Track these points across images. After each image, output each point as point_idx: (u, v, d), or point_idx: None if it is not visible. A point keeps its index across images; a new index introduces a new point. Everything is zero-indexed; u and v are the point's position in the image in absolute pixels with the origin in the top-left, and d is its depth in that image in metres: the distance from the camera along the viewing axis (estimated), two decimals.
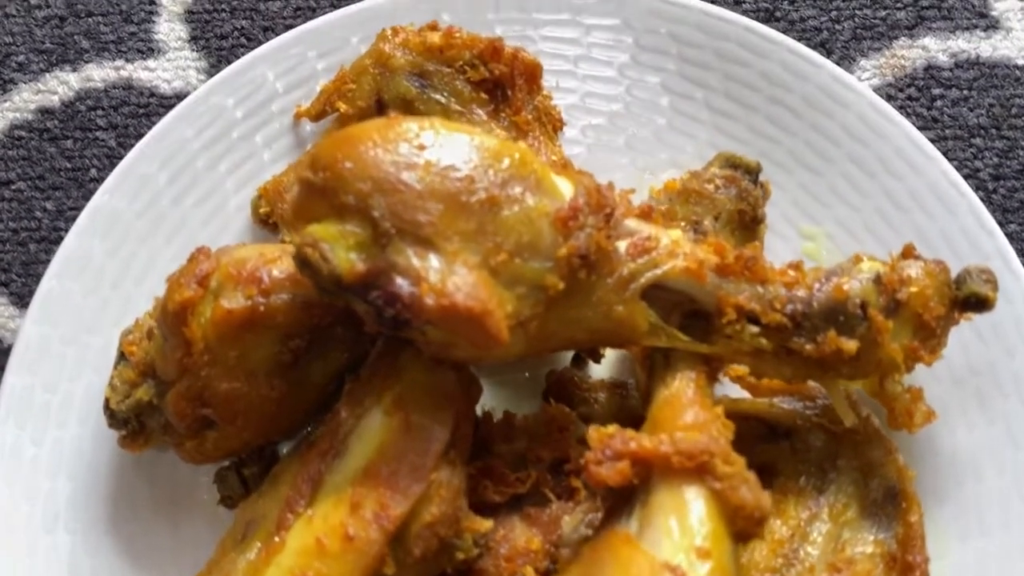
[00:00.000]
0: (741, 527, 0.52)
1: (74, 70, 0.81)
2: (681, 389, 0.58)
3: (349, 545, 0.54)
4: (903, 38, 0.83)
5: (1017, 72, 0.81)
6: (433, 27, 0.69)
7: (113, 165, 0.72)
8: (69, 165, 0.79)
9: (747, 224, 0.67)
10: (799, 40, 0.81)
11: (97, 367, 0.68)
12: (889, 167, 0.71)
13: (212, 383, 0.58)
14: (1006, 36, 0.83)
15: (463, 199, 0.53)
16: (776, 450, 0.64)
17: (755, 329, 0.58)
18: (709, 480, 0.53)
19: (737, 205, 0.67)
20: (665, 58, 0.74)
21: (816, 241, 0.72)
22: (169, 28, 0.82)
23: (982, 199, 0.78)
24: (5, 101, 0.81)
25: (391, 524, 0.54)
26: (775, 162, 0.73)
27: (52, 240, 0.77)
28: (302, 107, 0.72)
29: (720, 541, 0.51)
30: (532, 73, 0.69)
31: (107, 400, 0.63)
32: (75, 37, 0.82)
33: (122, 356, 0.63)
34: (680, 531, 0.51)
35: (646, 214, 0.60)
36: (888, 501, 0.62)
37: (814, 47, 0.82)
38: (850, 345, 0.57)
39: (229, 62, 0.78)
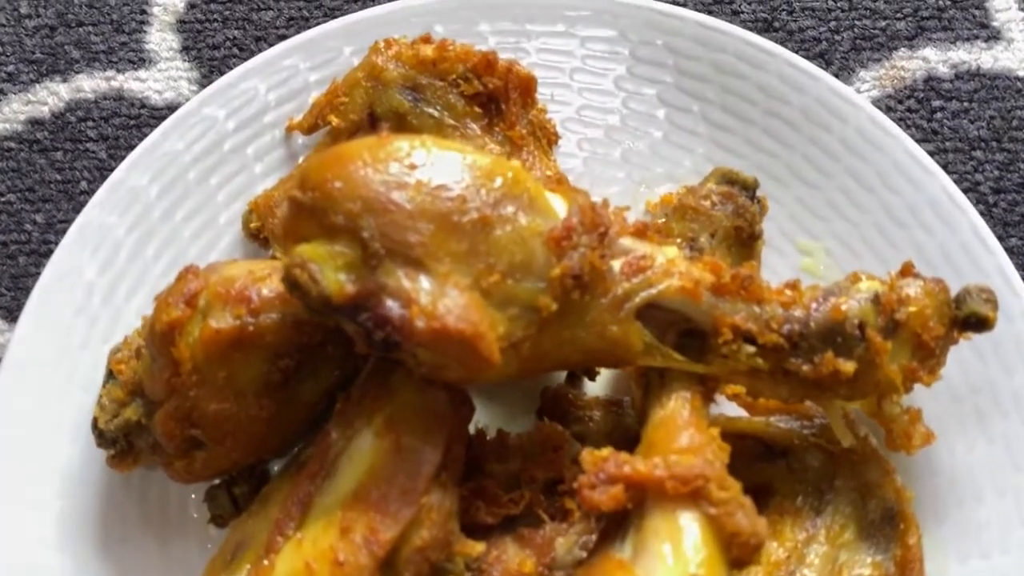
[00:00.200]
0: (737, 554, 0.51)
1: (64, 80, 0.80)
2: (676, 410, 0.57)
3: (339, 570, 0.53)
4: (903, 49, 0.82)
5: (1018, 84, 0.81)
6: (426, 40, 0.68)
7: (103, 177, 0.71)
8: (59, 177, 0.78)
9: (744, 241, 0.66)
10: (798, 51, 0.81)
11: (86, 384, 0.67)
12: (888, 182, 0.70)
13: (200, 404, 0.58)
14: (1007, 47, 0.82)
15: (455, 219, 0.53)
16: (773, 470, 0.63)
17: (751, 349, 0.57)
18: (704, 505, 0.52)
19: (734, 222, 0.66)
20: (661, 70, 0.74)
21: (814, 256, 0.71)
22: (161, 38, 0.81)
23: (983, 212, 0.77)
24: None
25: (381, 549, 0.53)
26: (773, 176, 0.72)
27: (42, 253, 0.76)
28: (294, 120, 0.71)
29: (715, 568, 0.51)
30: (526, 87, 0.68)
31: (95, 419, 0.62)
32: (65, 47, 0.81)
33: (110, 374, 0.63)
34: (674, 557, 0.50)
35: (641, 232, 0.59)
36: (886, 522, 0.61)
37: (813, 58, 0.81)
38: (848, 366, 0.57)
39: (221, 72, 0.78)
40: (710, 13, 0.81)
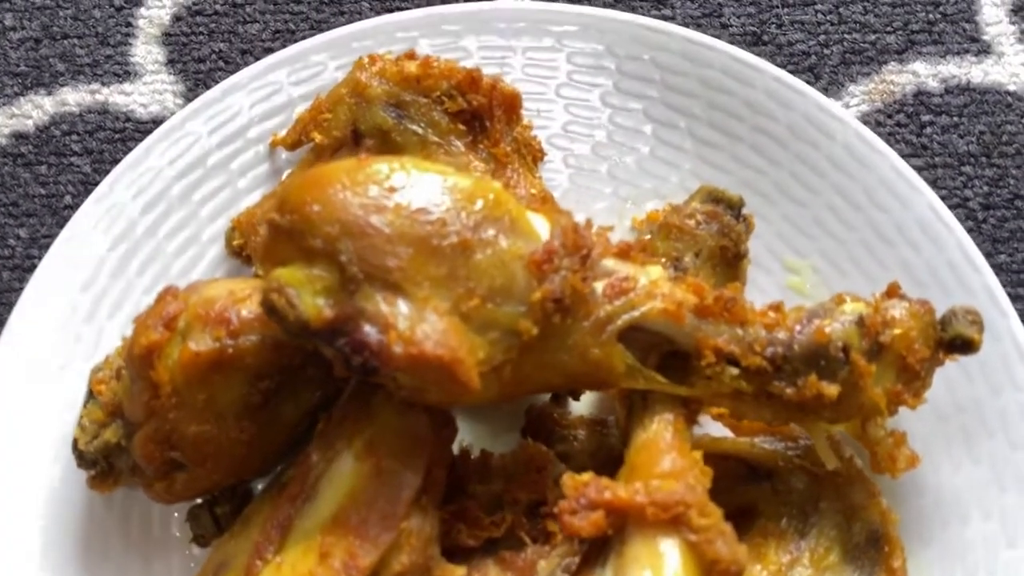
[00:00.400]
0: None
1: (49, 94, 0.80)
2: (659, 433, 0.57)
3: None
4: (893, 63, 0.81)
5: (1008, 98, 0.80)
6: (411, 56, 0.67)
7: (88, 191, 0.71)
8: (43, 191, 0.78)
9: (729, 260, 0.66)
10: (787, 64, 0.80)
11: (68, 403, 0.66)
12: (875, 199, 0.70)
13: (180, 426, 0.57)
14: (997, 61, 0.81)
15: (434, 243, 0.52)
16: (757, 491, 0.63)
17: (734, 371, 0.57)
18: (684, 532, 0.51)
19: (719, 241, 0.65)
20: (648, 86, 0.73)
21: (801, 274, 0.71)
22: (146, 51, 0.81)
23: (972, 228, 0.77)
24: None
25: (360, 574, 0.53)
26: (759, 193, 0.71)
27: (25, 268, 0.76)
28: (278, 135, 0.71)
29: None
30: (511, 104, 0.67)
31: (75, 440, 0.61)
32: (50, 60, 0.81)
33: (91, 395, 0.62)
34: None
35: (624, 253, 0.59)
36: (871, 545, 0.61)
37: (802, 72, 0.81)
38: (831, 390, 0.56)
39: (207, 86, 0.78)
40: (699, 27, 0.81)
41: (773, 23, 0.82)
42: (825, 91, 0.80)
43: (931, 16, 0.82)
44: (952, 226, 0.69)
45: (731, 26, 0.82)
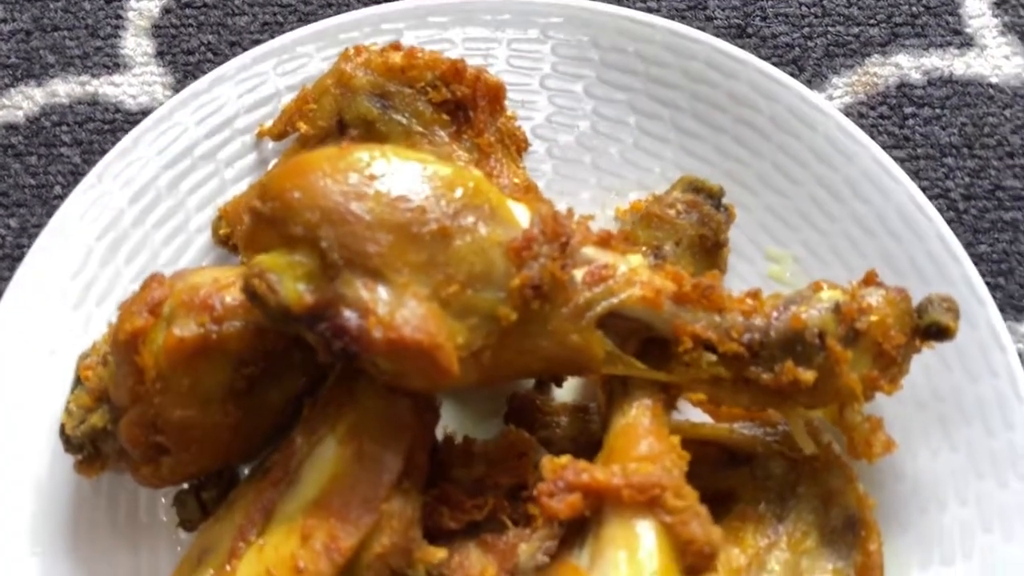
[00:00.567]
0: (691, 562, 0.52)
1: (39, 85, 0.81)
2: (638, 418, 0.58)
3: None
4: (876, 55, 0.82)
5: (991, 90, 0.81)
6: (396, 47, 0.68)
7: (77, 182, 0.71)
8: (33, 182, 0.79)
9: (709, 249, 0.67)
10: (771, 57, 0.81)
11: (57, 389, 0.67)
12: (856, 190, 0.71)
13: (165, 411, 0.58)
14: (980, 54, 0.82)
15: (414, 230, 0.53)
16: (736, 476, 0.64)
17: (712, 358, 0.58)
18: (660, 514, 0.52)
19: (699, 230, 0.66)
20: (632, 77, 0.74)
21: (782, 264, 0.71)
22: (136, 43, 0.82)
23: (953, 219, 0.78)
24: None
25: (341, 556, 0.53)
26: (741, 183, 0.72)
27: (15, 258, 0.76)
28: (264, 126, 0.71)
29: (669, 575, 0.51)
30: (495, 94, 0.68)
31: (63, 425, 0.62)
32: (40, 51, 0.81)
33: (78, 381, 0.63)
34: (628, 564, 0.51)
35: (604, 241, 0.60)
36: (848, 529, 0.62)
37: (786, 64, 0.81)
38: (807, 375, 0.57)
39: (196, 77, 0.78)
40: (683, 19, 0.81)
41: (757, 16, 0.83)
42: (809, 83, 0.81)
43: (914, 9, 0.83)
44: (932, 216, 0.69)
45: (716, 19, 0.82)
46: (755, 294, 0.59)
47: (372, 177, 0.53)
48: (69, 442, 0.62)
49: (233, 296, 0.58)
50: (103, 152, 0.73)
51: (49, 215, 0.71)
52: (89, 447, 0.62)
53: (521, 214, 0.57)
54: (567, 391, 0.69)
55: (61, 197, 0.77)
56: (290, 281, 0.52)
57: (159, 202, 0.71)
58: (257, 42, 0.80)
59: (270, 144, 0.72)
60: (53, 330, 0.68)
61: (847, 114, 0.79)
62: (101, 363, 0.62)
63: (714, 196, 0.68)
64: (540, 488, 0.54)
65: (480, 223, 0.54)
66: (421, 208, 0.53)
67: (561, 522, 0.56)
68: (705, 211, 0.66)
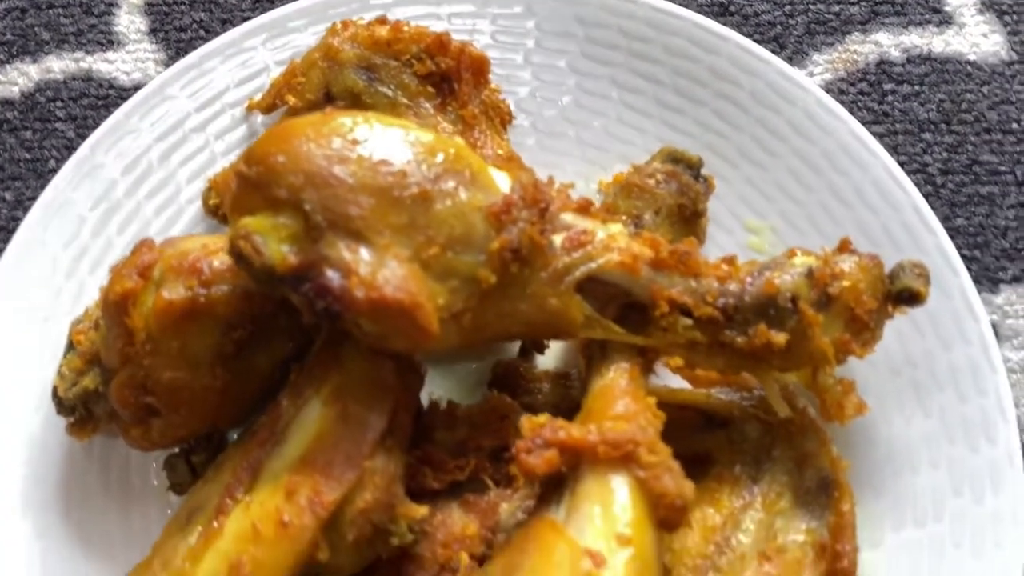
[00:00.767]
0: (664, 515, 0.53)
1: (34, 61, 0.82)
2: (615, 379, 0.59)
3: (283, 531, 0.55)
4: (856, 33, 0.83)
5: (968, 68, 0.82)
6: (382, 21, 0.70)
7: (71, 156, 0.73)
8: (28, 156, 0.80)
9: (688, 218, 0.68)
10: (753, 35, 0.83)
11: (49, 355, 0.69)
12: (834, 163, 0.72)
13: (154, 372, 0.59)
14: (959, 32, 0.83)
15: (395, 193, 0.54)
16: (713, 440, 0.65)
17: (688, 322, 0.59)
18: (634, 469, 0.54)
19: (677, 200, 0.68)
20: (615, 52, 0.75)
21: (761, 235, 0.73)
22: (129, 20, 0.83)
23: (930, 193, 0.79)
24: None
25: (324, 510, 0.55)
26: (722, 156, 0.74)
27: (10, 230, 0.78)
28: (254, 100, 0.73)
29: (642, 528, 0.52)
30: (479, 67, 0.69)
31: (55, 388, 0.64)
32: (35, 29, 0.83)
33: (71, 345, 0.65)
34: (603, 518, 0.52)
35: (584, 208, 0.61)
36: (821, 491, 0.63)
37: (767, 41, 0.83)
38: (780, 338, 0.58)
39: (188, 54, 0.79)
40: None
41: None
42: (790, 60, 0.82)
43: None
44: (907, 188, 0.71)
45: None
46: (730, 260, 0.61)
47: (355, 142, 0.55)
48: (62, 404, 0.64)
49: (221, 261, 0.60)
50: (97, 127, 0.75)
51: (43, 188, 0.72)
52: (81, 409, 0.64)
53: (502, 181, 0.58)
54: (549, 359, 0.70)
55: (55, 171, 0.78)
56: (275, 243, 0.54)
57: (150, 174, 0.72)
58: (248, 19, 0.81)
59: (259, 118, 0.74)
60: (47, 298, 0.70)
61: (828, 90, 0.80)
62: (93, 327, 0.63)
63: (693, 166, 0.69)
64: (518, 445, 0.55)
65: (461, 188, 0.56)
66: (402, 172, 0.55)
67: (540, 481, 0.57)
68: (684, 181, 0.68)
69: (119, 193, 0.72)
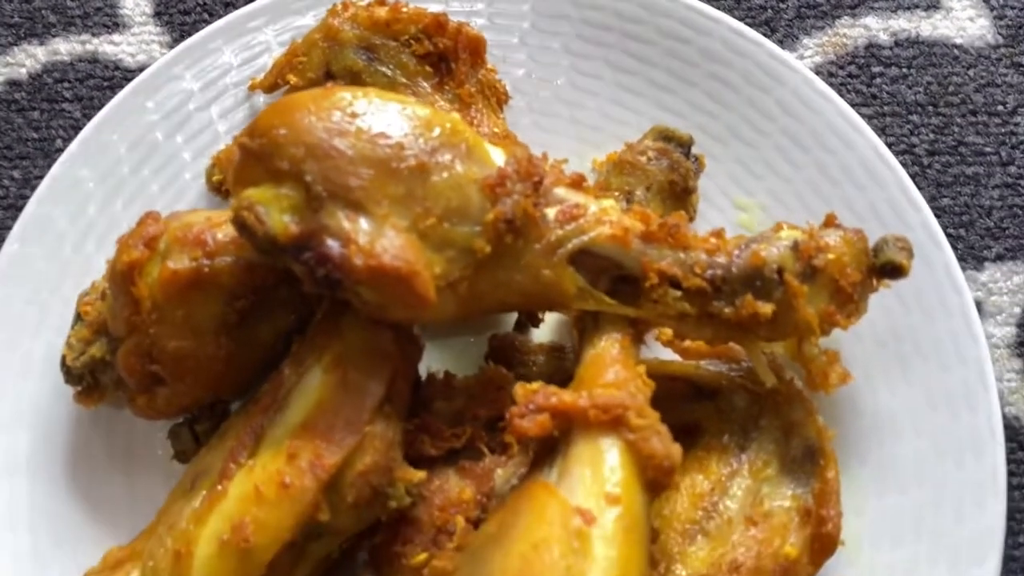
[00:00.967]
0: (652, 475, 0.55)
1: (41, 44, 0.84)
2: (607, 349, 0.61)
3: (285, 492, 0.56)
4: (846, 17, 0.85)
5: (955, 51, 0.84)
6: (381, 2, 0.71)
7: (78, 135, 0.75)
8: (36, 135, 0.82)
9: (678, 195, 0.70)
10: (745, 18, 0.84)
11: (57, 327, 0.70)
12: (822, 141, 0.74)
13: (160, 340, 0.61)
14: (946, 16, 0.85)
15: (393, 165, 0.56)
16: (702, 410, 0.67)
17: (677, 293, 0.61)
18: (623, 432, 0.56)
19: (668, 176, 0.69)
20: (608, 34, 0.77)
21: (750, 212, 0.75)
22: (134, 3, 0.85)
23: (917, 173, 0.81)
24: None
25: (325, 473, 0.57)
26: (713, 136, 0.75)
27: (18, 207, 0.79)
28: (256, 79, 0.74)
29: (631, 489, 0.54)
30: (476, 47, 0.71)
31: (63, 357, 0.66)
32: (43, 12, 0.85)
33: (78, 316, 0.66)
34: (593, 479, 0.54)
35: (576, 183, 0.63)
36: (807, 459, 0.65)
37: (759, 25, 0.84)
38: (766, 308, 0.60)
39: (191, 36, 0.81)
40: None
41: None
42: (781, 43, 0.84)
43: None
44: (893, 166, 0.73)
45: None
46: (719, 233, 0.62)
47: (354, 115, 0.56)
48: (70, 373, 0.65)
49: (225, 233, 0.62)
50: (102, 107, 0.77)
51: (51, 167, 0.74)
52: (88, 378, 0.65)
53: (497, 156, 0.60)
54: (544, 332, 0.72)
55: (62, 150, 0.80)
56: (277, 213, 0.55)
57: (155, 152, 0.74)
58: (250, 1, 0.83)
59: (262, 97, 0.75)
60: (54, 271, 0.72)
61: (817, 73, 0.82)
62: (100, 298, 0.65)
63: (683, 144, 0.71)
64: (512, 411, 0.57)
65: (457, 160, 0.58)
66: (400, 144, 0.56)
67: (533, 445, 0.59)
68: (675, 158, 0.70)
69: (124, 170, 0.74)
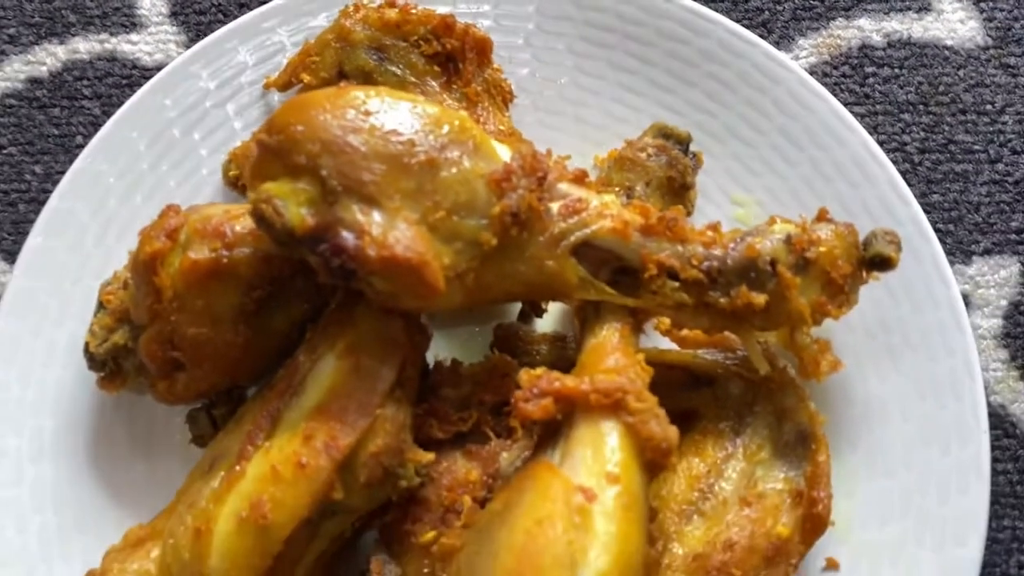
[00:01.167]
0: (650, 456, 0.58)
1: (61, 43, 0.87)
2: (607, 337, 0.64)
3: (301, 472, 0.59)
4: (840, 19, 0.88)
5: (946, 52, 0.87)
6: (391, 3, 0.74)
7: (97, 132, 0.77)
8: (56, 132, 0.85)
9: (676, 190, 0.72)
10: (742, 20, 0.87)
11: (78, 316, 0.73)
12: (816, 139, 0.77)
13: (180, 328, 0.64)
14: (937, 18, 0.88)
15: (404, 160, 0.59)
16: (699, 397, 0.70)
17: (675, 284, 0.64)
18: (623, 415, 0.58)
19: (667, 172, 0.72)
20: (611, 35, 0.80)
21: (747, 208, 0.77)
22: (151, 3, 0.88)
23: (908, 171, 0.84)
24: None
25: (339, 453, 0.59)
26: (710, 133, 0.78)
27: (40, 201, 0.82)
28: (270, 78, 0.77)
29: (630, 469, 0.57)
30: (482, 48, 0.74)
31: (87, 344, 0.68)
32: (63, 12, 0.87)
33: (101, 305, 0.69)
34: (594, 459, 0.57)
35: (579, 179, 0.65)
36: (799, 443, 0.67)
37: (756, 26, 0.87)
38: (759, 299, 0.63)
39: (207, 36, 0.84)
40: None
41: None
42: (776, 44, 0.86)
43: None
44: (884, 164, 0.75)
45: None
46: (715, 227, 0.65)
47: (367, 113, 0.59)
48: (93, 359, 0.68)
49: (243, 225, 0.64)
50: (121, 105, 0.79)
51: (71, 162, 0.77)
52: (111, 364, 0.68)
53: (503, 151, 0.63)
54: (547, 322, 0.75)
55: (82, 146, 0.82)
56: (294, 206, 0.58)
57: (173, 148, 0.77)
58: (264, 3, 0.85)
59: (276, 95, 0.78)
60: (76, 262, 0.74)
61: (812, 73, 0.85)
62: (122, 287, 0.68)
63: (682, 141, 0.73)
64: (516, 395, 0.60)
65: (464, 156, 0.60)
66: (411, 141, 0.59)
67: (534, 423, 0.62)
68: (673, 155, 0.72)
69: (143, 166, 0.76)
